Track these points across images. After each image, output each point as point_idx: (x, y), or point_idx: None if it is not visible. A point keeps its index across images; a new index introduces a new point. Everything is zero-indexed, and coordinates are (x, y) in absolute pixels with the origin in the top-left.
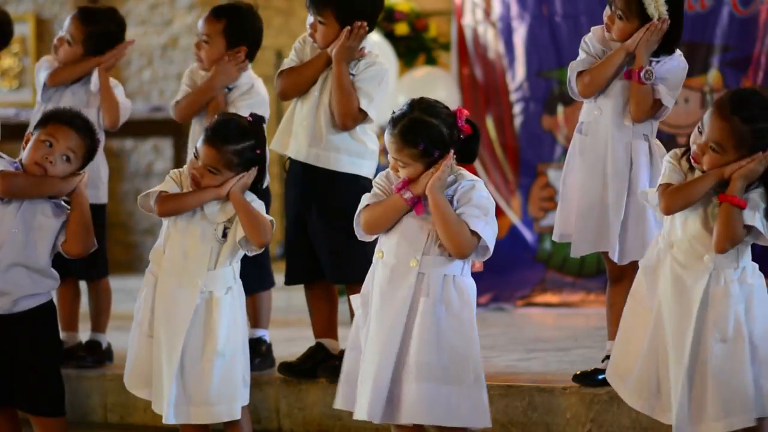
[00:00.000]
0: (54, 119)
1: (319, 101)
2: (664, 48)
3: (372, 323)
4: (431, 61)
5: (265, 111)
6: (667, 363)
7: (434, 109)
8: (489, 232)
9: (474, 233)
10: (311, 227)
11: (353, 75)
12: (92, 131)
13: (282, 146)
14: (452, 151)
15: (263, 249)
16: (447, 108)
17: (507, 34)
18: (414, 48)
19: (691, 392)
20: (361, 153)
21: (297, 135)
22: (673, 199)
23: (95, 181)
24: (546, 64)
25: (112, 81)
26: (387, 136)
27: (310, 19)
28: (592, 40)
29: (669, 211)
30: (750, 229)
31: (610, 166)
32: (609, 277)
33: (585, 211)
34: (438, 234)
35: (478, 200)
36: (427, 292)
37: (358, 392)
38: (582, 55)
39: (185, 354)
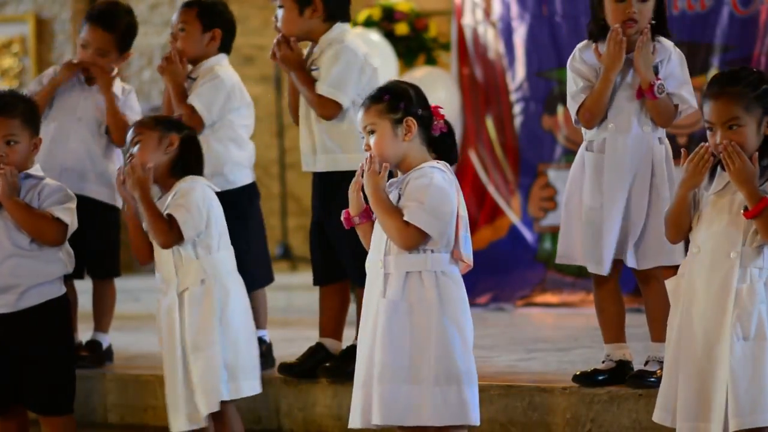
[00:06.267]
0: None
1: (307, 111)
2: (659, 29)
3: (361, 330)
4: (431, 61)
5: (219, 92)
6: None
7: (411, 84)
8: (422, 218)
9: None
10: (332, 233)
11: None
12: (18, 101)
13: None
14: (415, 122)
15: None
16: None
17: (507, 34)
18: (414, 48)
19: (701, 389)
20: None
21: (302, 150)
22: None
23: (111, 182)
24: (546, 64)
25: (126, 86)
26: (359, 114)
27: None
28: (581, 63)
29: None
30: None
31: (634, 177)
32: (639, 280)
33: (609, 229)
34: None
35: (413, 189)
36: (386, 292)
37: (353, 400)
38: (577, 82)
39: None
